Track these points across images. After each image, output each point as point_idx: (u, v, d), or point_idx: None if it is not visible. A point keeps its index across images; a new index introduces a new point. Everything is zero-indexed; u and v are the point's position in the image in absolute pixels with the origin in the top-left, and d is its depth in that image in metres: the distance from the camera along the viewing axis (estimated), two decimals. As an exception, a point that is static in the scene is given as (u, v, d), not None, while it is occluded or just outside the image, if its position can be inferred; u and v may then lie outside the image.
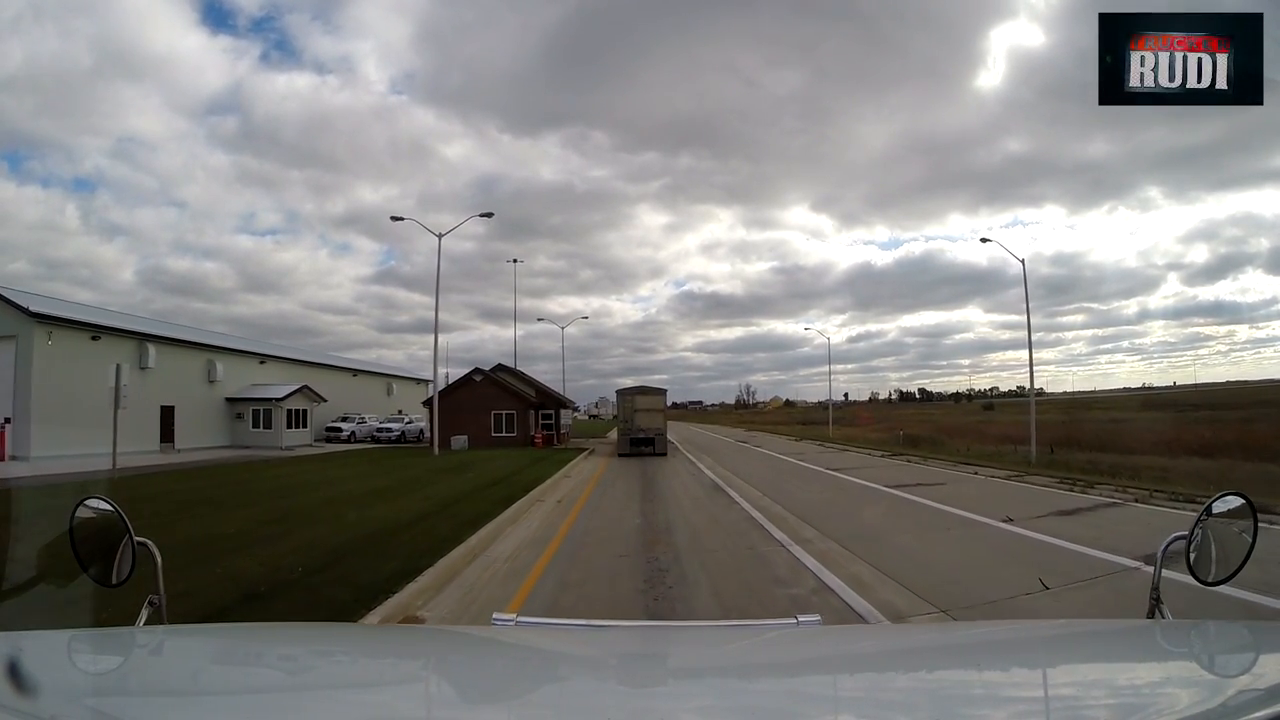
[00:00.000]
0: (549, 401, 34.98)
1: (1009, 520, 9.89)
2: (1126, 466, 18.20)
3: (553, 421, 32.85)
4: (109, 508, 1.51)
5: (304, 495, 12.95)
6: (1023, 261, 28.66)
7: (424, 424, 36.13)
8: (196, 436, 31.26)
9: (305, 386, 35.10)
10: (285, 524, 9.42)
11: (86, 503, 1.52)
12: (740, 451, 30.82)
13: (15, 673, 0.92)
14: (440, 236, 26.63)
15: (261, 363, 36.99)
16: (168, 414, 30.25)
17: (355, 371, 46.96)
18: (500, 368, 36.41)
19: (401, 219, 26.86)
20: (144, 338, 29.15)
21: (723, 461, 23.76)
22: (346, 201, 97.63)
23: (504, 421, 33.08)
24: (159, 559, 1.52)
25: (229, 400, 33.97)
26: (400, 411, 44.04)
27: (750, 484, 16.18)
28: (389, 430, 39.07)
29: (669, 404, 33.41)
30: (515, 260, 48.05)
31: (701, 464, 22.33)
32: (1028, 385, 30.20)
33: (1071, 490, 13.95)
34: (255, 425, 33.87)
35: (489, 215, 26.88)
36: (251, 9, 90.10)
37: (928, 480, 16.37)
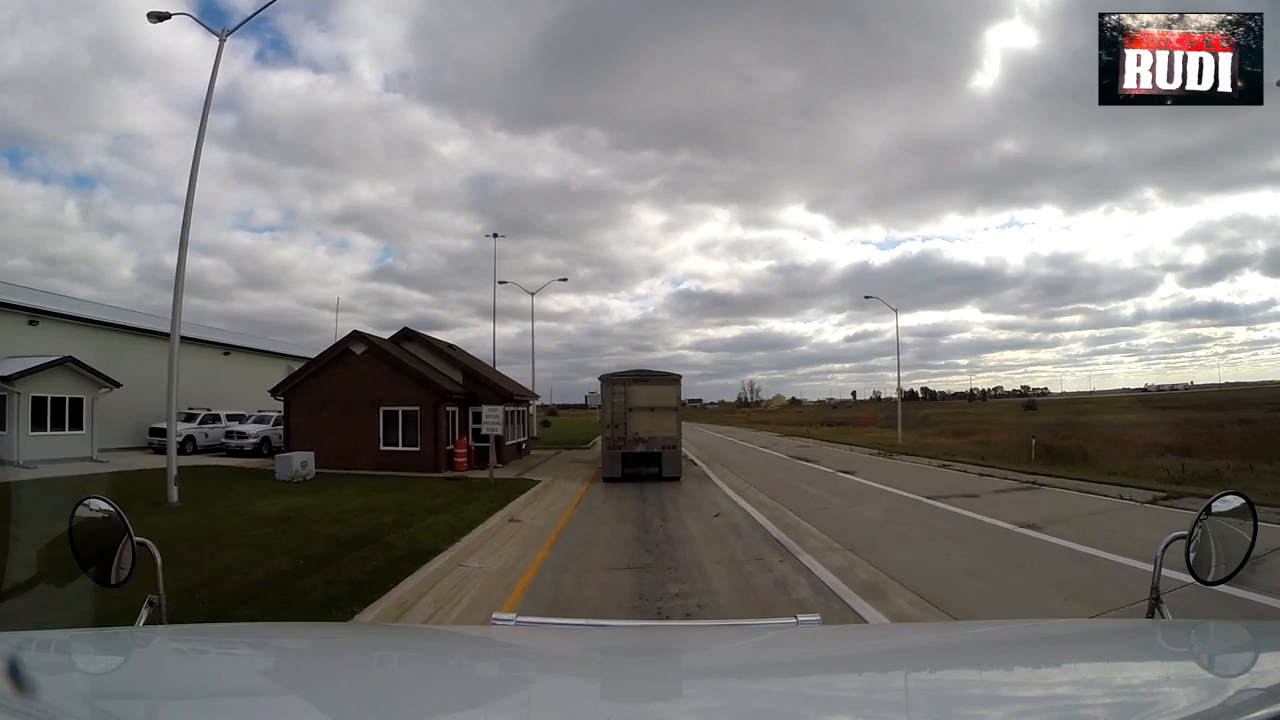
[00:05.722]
0: (488, 392, 20.90)
1: None
2: None
3: (499, 423, 18.19)
4: (109, 508, 1.50)
5: None
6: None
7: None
8: None
9: (69, 359, 20.94)
10: None
11: (86, 503, 1.51)
12: (827, 483, 16.75)
13: (15, 673, 0.91)
14: (222, 37, 12.86)
15: (32, 323, 22.81)
16: None
17: (227, 348, 32.75)
18: (406, 334, 22.30)
19: (165, 16, 12.79)
20: None
21: (843, 533, 9.73)
22: (343, 199, 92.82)
23: (402, 425, 19.00)
24: (158, 559, 1.50)
25: (-52, 383, 19.94)
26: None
27: None
28: (242, 436, 24.94)
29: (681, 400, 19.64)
30: (496, 235, 38.41)
31: (809, 556, 8.23)
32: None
33: None
34: (-7, 424, 19.88)
35: None
36: (246, 9, 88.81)
37: None
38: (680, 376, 19.32)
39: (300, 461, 15.90)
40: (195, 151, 13.14)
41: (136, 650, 1.36)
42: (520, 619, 1.62)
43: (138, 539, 1.48)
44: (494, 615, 1.60)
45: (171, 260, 13.37)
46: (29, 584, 5.77)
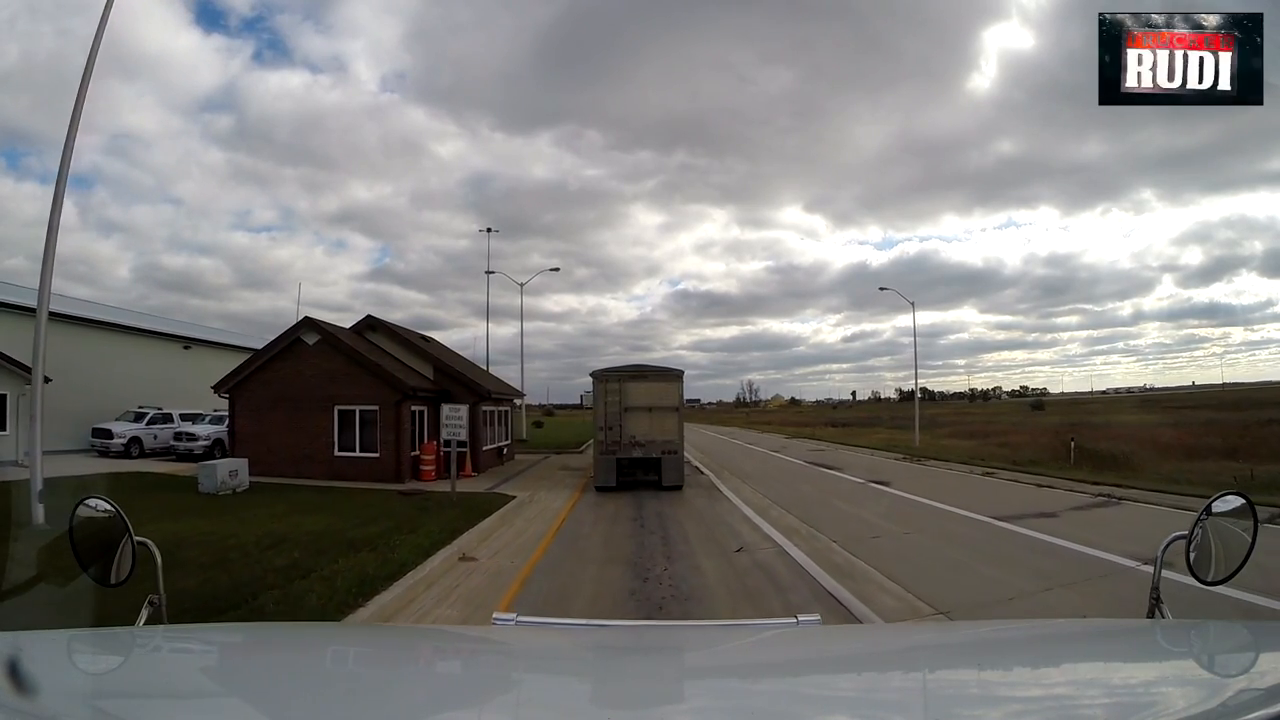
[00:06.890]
0: (460, 389, 18.29)
1: None
2: None
3: (462, 425, 15.44)
4: (109, 508, 1.48)
5: None
6: None
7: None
8: None
9: (-15, 352, 18.33)
10: None
11: (86, 503, 1.48)
12: (864, 499, 14.12)
13: (15, 673, 0.90)
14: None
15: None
16: None
17: (188, 342, 30.10)
18: (370, 323, 19.63)
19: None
20: None
21: (920, 581, 7.09)
22: (340, 199, 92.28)
23: (360, 427, 16.38)
24: (159, 559, 1.48)
25: None
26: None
27: None
28: (192, 439, 22.31)
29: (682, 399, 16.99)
30: (490, 230, 36.98)
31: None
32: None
33: None
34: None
35: None
36: (243, 9, 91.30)
37: None
38: (682, 372, 16.73)
39: (229, 471, 13.27)
40: (81, 88, 10.60)
41: (136, 650, 1.34)
42: (520, 618, 1.60)
43: (138, 539, 1.46)
44: (494, 615, 1.58)
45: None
46: None
